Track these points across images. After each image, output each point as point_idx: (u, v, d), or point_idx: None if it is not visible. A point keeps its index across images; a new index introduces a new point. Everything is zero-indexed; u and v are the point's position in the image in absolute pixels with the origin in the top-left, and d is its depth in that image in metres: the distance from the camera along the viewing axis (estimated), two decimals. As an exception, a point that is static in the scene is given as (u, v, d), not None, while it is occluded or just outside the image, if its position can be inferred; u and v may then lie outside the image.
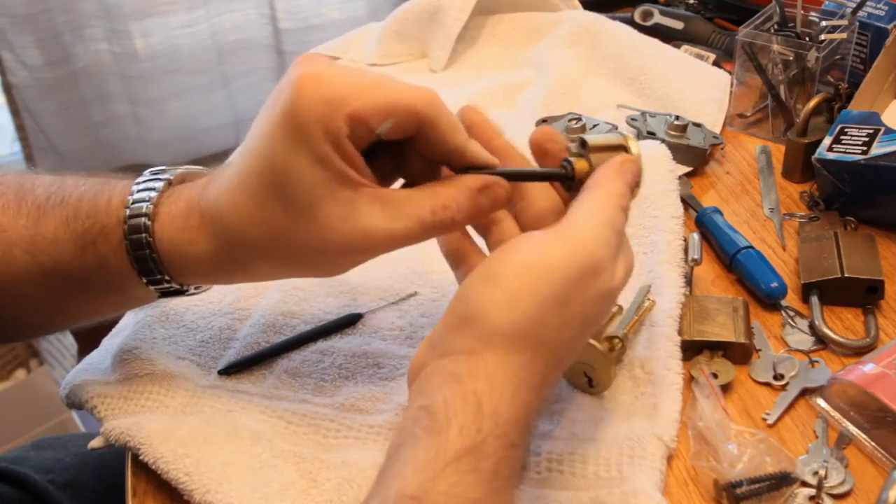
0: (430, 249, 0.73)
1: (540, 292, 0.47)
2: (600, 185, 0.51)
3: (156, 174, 0.57)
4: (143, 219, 0.54)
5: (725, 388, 0.62)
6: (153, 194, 0.55)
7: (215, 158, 2.08)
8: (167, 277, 0.56)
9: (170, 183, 0.57)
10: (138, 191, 0.56)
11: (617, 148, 0.54)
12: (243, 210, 0.51)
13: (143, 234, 0.54)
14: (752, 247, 0.72)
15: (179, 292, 0.58)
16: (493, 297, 0.47)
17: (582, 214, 0.49)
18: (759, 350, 0.65)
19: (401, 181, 0.55)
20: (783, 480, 0.54)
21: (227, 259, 0.54)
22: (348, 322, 0.67)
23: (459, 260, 0.55)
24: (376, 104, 0.48)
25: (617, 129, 0.87)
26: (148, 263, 0.55)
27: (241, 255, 0.53)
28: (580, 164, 0.53)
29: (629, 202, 0.52)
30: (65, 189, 0.58)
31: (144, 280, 0.56)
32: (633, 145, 0.54)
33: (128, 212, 0.55)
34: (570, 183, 0.53)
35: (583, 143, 0.53)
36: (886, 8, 0.89)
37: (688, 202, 0.80)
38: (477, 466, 0.44)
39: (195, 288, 0.60)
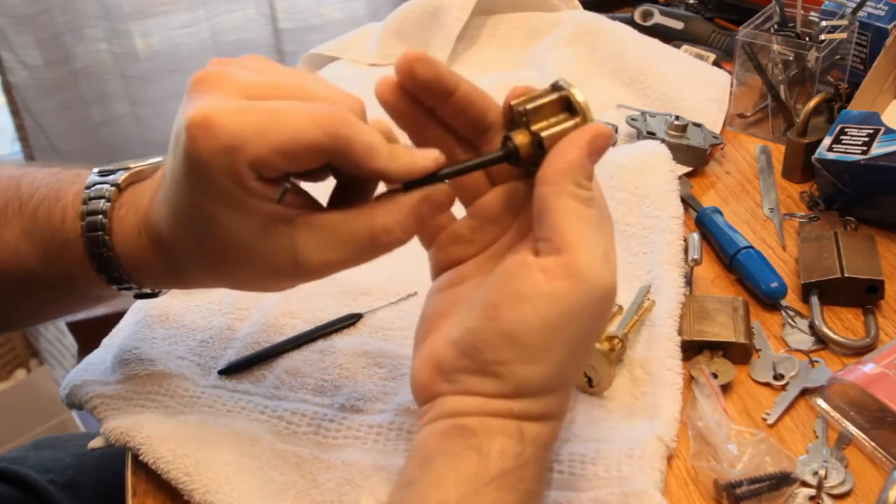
0: (430, 249, 0.73)
1: (563, 341, 0.46)
2: (560, 183, 0.46)
3: (104, 175, 0.55)
4: (99, 233, 0.53)
5: (725, 388, 0.62)
6: (105, 205, 0.53)
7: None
8: (135, 285, 0.55)
9: (119, 188, 0.54)
10: (90, 198, 0.54)
11: (562, 104, 0.47)
12: (185, 245, 0.50)
13: (103, 250, 0.53)
14: (752, 247, 0.72)
15: (152, 295, 0.58)
16: (516, 355, 0.45)
17: (577, 238, 0.46)
18: (759, 350, 0.65)
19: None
20: (783, 480, 0.54)
21: (181, 278, 0.53)
22: (348, 322, 0.67)
23: (430, 237, 0.53)
24: (274, 146, 0.44)
25: (616, 129, 0.87)
26: (114, 273, 0.54)
27: (192, 278, 0.53)
28: (521, 139, 0.47)
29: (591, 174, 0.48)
30: (21, 194, 0.56)
31: (115, 287, 0.55)
32: (577, 93, 0.47)
33: (84, 226, 0.53)
34: (517, 162, 0.48)
35: (523, 114, 0.47)
36: (886, 8, 0.89)
37: (688, 202, 0.80)
38: (517, 486, 0.45)
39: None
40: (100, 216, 0.53)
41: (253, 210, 0.47)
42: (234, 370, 0.64)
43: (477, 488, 0.44)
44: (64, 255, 0.54)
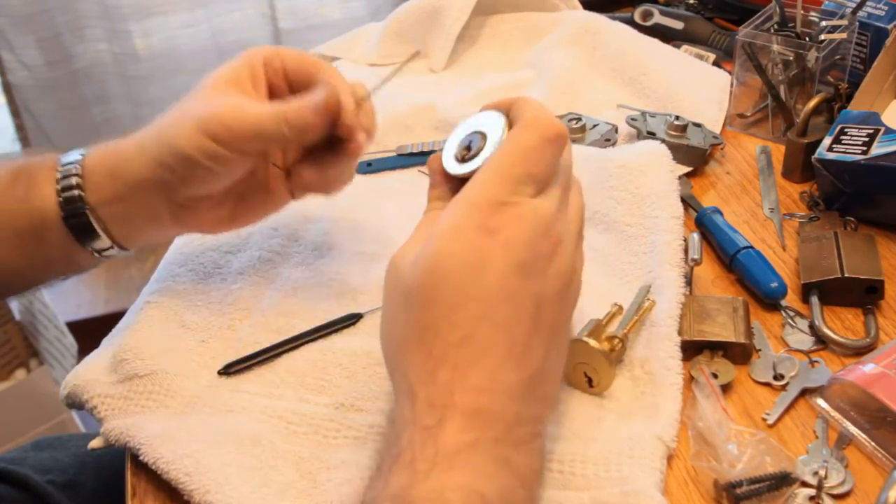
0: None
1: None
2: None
3: (66, 177, 0.63)
4: (74, 178, 0.63)
5: (725, 388, 0.62)
6: (77, 168, 0.64)
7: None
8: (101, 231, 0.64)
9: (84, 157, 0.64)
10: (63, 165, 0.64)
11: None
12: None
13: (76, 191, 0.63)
14: (752, 247, 0.72)
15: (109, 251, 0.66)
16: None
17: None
18: (759, 350, 0.65)
19: None
20: (783, 480, 0.54)
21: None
22: (348, 322, 0.67)
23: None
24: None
25: (616, 129, 0.87)
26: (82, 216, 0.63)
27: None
28: None
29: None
30: None
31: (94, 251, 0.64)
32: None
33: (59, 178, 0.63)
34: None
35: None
36: (886, 8, 0.89)
37: (688, 202, 0.80)
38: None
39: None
40: (74, 177, 0.63)
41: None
42: (233, 370, 0.64)
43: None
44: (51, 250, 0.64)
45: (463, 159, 0.55)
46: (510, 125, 0.54)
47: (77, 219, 0.63)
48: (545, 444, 0.51)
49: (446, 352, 0.47)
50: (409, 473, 0.44)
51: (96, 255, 0.65)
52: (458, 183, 0.54)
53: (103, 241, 0.64)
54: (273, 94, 0.66)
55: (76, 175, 0.63)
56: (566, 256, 0.51)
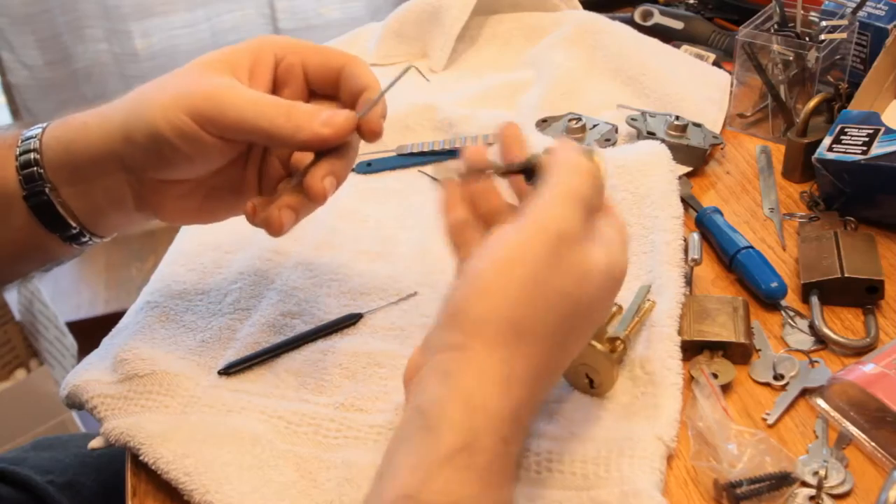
0: (431, 249, 0.73)
1: (512, 276, 0.47)
2: (558, 164, 0.51)
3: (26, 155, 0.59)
4: (35, 169, 0.59)
5: (725, 388, 0.62)
6: (36, 143, 0.59)
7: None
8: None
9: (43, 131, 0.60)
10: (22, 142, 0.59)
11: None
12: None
13: (37, 173, 0.58)
14: (752, 247, 0.72)
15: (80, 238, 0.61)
16: (470, 293, 0.47)
17: (541, 193, 0.50)
18: (759, 350, 0.65)
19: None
20: (783, 480, 0.54)
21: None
22: (348, 322, 0.67)
23: (460, 245, 0.55)
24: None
25: (616, 129, 0.87)
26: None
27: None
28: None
29: (593, 185, 0.51)
30: None
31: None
32: (599, 157, 0.53)
33: (18, 165, 0.59)
34: (533, 176, 0.54)
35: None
36: (886, 8, 0.89)
37: (688, 202, 0.80)
38: (470, 463, 0.44)
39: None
40: (32, 153, 0.58)
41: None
42: (233, 370, 0.64)
43: (429, 471, 0.43)
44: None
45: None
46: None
47: (36, 197, 0.58)
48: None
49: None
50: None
51: (66, 242, 0.61)
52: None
53: (69, 226, 0.60)
54: (283, 91, 0.61)
55: (34, 150, 0.58)
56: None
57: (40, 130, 0.59)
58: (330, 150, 0.58)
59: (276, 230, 0.58)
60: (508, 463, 0.46)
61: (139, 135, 0.56)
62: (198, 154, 0.57)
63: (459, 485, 0.43)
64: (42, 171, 0.58)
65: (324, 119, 0.56)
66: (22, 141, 0.59)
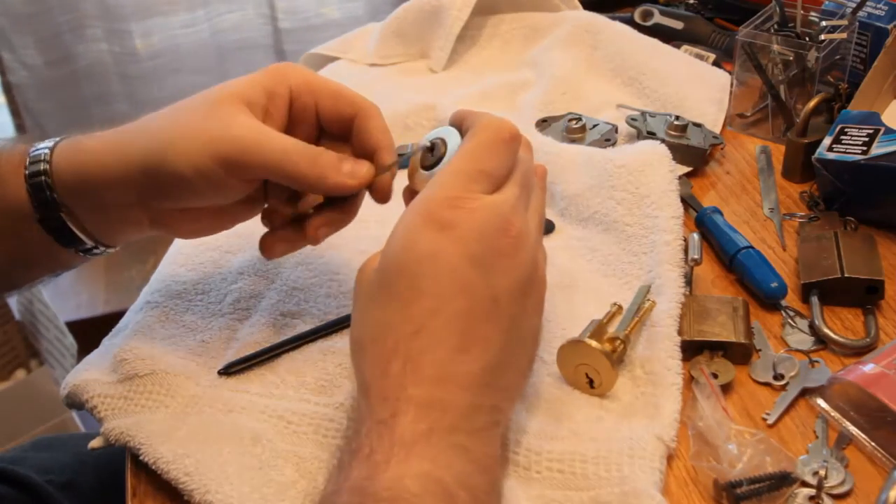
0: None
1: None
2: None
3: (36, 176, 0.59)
4: (42, 178, 0.59)
5: (725, 388, 0.62)
6: (46, 155, 0.59)
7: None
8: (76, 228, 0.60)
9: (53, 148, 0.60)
10: (32, 157, 0.59)
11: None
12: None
13: (45, 184, 0.59)
14: (752, 247, 0.72)
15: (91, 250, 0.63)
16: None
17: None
18: (759, 350, 0.65)
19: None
20: (783, 480, 0.54)
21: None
22: (348, 322, 0.67)
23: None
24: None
25: (616, 129, 0.87)
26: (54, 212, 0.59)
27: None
28: None
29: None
30: None
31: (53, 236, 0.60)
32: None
33: (27, 174, 0.59)
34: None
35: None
36: (886, 8, 0.89)
37: (688, 202, 0.80)
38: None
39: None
40: (43, 176, 0.59)
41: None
42: (233, 370, 0.64)
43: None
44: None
45: (426, 166, 0.57)
46: (463, 135, 0.56)
47: (52, 221, 0.60)
48: (506, 432, 0.52)
49: (398, 345, 0.48)
50: (368, 465, 0.45)
51: (80, 254, 0.63)
52: None
53: (84, 242, 0.62)
54: (297, 129, 0.61)
55: (45, 174, 0.59)
56: (526, 251, 0.52)
57: (48, 151, 0.59)
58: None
59: (270, 257, 0.64)
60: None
61: (161, 174, 0.56)
62: (221, 193, 0.59)
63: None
64: (56, 195, 0.59)
65: (348, 171, 0.58)
66: (30, 163, 0.59)
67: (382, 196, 0.61)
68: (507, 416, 0.53)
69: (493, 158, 0.53)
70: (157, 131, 0.58)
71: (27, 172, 0.59)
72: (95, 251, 0.63)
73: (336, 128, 0.62)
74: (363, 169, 0.59)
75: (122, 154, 0.58)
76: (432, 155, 0.58)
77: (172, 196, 0.59)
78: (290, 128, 0.61)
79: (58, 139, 0.61)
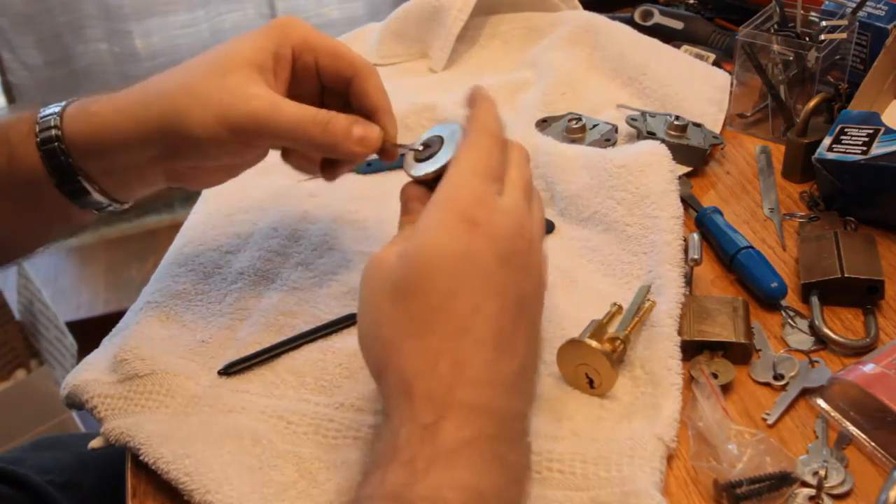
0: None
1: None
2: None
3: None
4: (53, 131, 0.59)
5: (725, 388, 0.62)
6: (56, 120, 0.60)
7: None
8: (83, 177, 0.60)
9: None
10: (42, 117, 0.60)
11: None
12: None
13: (56, 144, 0.59)
14: (752, 247, 0.72)
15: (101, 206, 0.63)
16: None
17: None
18: (759, 350, 0.65)
19: None
20: (783, 480, 0.54)
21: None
22: (348, 322, 0.67)
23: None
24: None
25: (616, 129, 0.87)
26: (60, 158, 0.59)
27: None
28: None
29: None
30: None
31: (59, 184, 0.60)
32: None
33: (38, 131, 0.59)
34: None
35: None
36: (886, 8, 0.89)
37: (688, 202, 0.80)
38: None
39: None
40: (53, 129, 0.59)
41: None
42: (233, 370, 0.64)
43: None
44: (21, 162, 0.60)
45: (421, 160, 0.58)
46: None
47: (71, 185, 0.60)
48: (530, 441, 0.51)
49: (443, 344, 0.47)
50: (407, 472, 0.44)
51: (94, 211, 0.64)
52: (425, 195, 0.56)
53: (102, 203, 0.63)
54: (300, 87, 0.63)
55: (57, 140, 0.59)
56: (537, 254, 0.52)
57: (57, 117, 0.60)
58: None
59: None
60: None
61: (177, 139, 0.58)
62: (235, 157, 0.61)
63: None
64: (72, 160, 0.59)
65: (357, 137, 0.59)
66: (40, 130, 0.59)
67: (390, 158, 0.62)
68: (530, 424, 0.52)
69: (492, 160, 0.53)
70: (172, 96, 0.58)
71: (38, 140, 0.59)
72: (109, 208, 0.64)
73: (335, 85, 0.63)
74: (374, 135, 0.60)
75: (136, 119, 0.58)
76: (427, 150, 0.58)
77: (187, 158, 0.60)
78: (294, 86, 0.62)
79: (63, 103, 0.61)
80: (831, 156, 0.76)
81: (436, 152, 0.57)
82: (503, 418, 0.47)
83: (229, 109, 0.57)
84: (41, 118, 0.60)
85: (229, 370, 0.64)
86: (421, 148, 0.59)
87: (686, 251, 0.70)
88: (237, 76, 0.58)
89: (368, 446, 0.57)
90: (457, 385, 0.46)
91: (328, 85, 0.63)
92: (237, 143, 0.58)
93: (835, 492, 0.55)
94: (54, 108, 0.61)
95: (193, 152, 0.59)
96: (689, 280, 0.69)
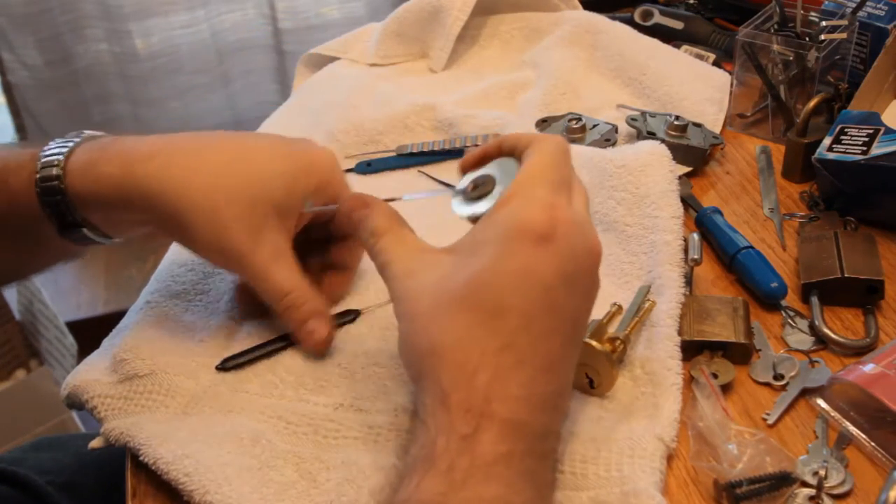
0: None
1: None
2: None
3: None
4: (54, 169, 0.60)
5: (725, 388, 0.62)
6: (61, 160, 0.61)
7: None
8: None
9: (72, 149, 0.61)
10: (46, 155, 0.61)
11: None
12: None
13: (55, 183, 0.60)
14: (752, 247, 0.72)
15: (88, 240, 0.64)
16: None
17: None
18: (759, 350, 0.65)
19: None
20: (783, 480, 0.54)
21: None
22: (347, 319, 0.67)
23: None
24: None
25: (616, 129, 0.87)
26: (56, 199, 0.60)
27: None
28: None
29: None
30: None
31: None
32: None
33: (39, 174, 0.60)
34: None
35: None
36: (886, 8, 0.89)
37: (688, 202, 0.80)
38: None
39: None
40: (55, 169, 0.60)
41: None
42: (231, 365, 0.64)
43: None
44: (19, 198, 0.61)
45: (472, 199, 0.55)
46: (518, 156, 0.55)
47: (72, 232, 0.62)
48: (558, 458, 0.51)
49: (484, 357, 0.47)
50: (445, 481, 0.44)
51: (91, 245, 0.66)
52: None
53: (100, 239, 0.65)
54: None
55: (60, 192, 0.60)
56: (598, 272, 0.51)
57: (59, 167, 0.60)
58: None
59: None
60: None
61: (176, 227, 0.61)
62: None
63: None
64: (75, 214, 0.61)
65: (308, 330, 0.63)
66: (41, 179, 0.60)
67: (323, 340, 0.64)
68: (559, 441, 0.52)
69: (564, 169, 0.52)
70: (183, 189, 0.60)
71: (39, 190, 0.60)
72: (103, 242, 0.66)
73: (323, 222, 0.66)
74: (322, 336, 0.63)
75: (142, 195, 0.60)
76: (477, 190, 0.56)
77: (182, 239, 0.64)
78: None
79: (68, 146, 0.61)
80: (831, 156, 0.76)
81: (489, 191, 0.55)
82: (538, 435, 0.47)
83: (231, 241, 0.60)
84: (42, 165, 0.60)
85: (227, 365, 0.64)
86: (471, 188, 0.56)
87: (686, 251, 0.70)
88: (257, 217, 0.61)
89: (402, 449, 0.57)
90: (495, 399, 0.46)
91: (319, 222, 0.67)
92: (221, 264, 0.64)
93: (835, 492, 0.55)
94: (57, 153, 0.61)
95: (188, 244, 0.63)
96: (689, 280, 0.69)
